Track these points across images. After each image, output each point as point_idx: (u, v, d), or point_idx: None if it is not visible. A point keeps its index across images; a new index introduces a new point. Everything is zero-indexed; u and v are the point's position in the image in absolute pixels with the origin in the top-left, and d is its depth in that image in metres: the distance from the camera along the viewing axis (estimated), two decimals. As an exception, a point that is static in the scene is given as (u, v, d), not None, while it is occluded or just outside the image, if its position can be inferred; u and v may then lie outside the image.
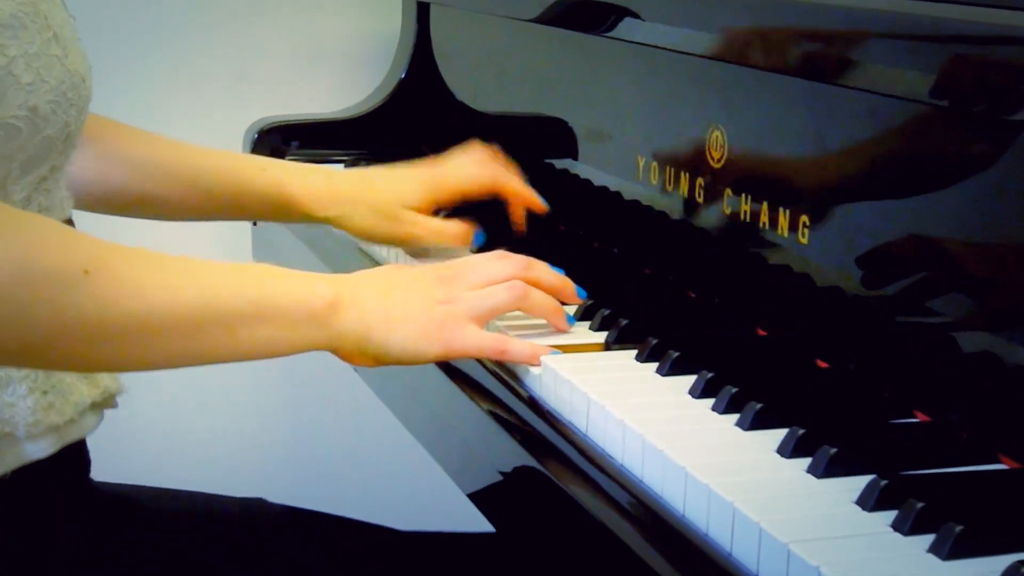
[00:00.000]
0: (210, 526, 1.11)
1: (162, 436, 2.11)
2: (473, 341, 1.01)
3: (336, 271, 1.40)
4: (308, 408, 2.21)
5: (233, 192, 1.29)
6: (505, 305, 1.04)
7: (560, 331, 1.09)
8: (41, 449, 0.99)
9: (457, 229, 1.30)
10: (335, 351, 1.00)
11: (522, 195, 1.35)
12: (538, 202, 1.36)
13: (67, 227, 0.91)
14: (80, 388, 1.03)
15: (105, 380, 1.06)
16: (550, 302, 1.08)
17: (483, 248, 1.28)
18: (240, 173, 1.30)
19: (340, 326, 0.98)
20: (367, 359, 1.00)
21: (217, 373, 2.13)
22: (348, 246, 1.46)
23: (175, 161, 1.28)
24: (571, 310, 1.13)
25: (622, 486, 0.88)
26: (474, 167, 1.35)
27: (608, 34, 1.32)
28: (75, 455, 1.05)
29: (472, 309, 1.02)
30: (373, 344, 0.99)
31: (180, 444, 2.12)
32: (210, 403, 2.15)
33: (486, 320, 1.04)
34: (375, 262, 1.38)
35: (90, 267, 0.87)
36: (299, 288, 0.98)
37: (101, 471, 1.12)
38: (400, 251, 1.34)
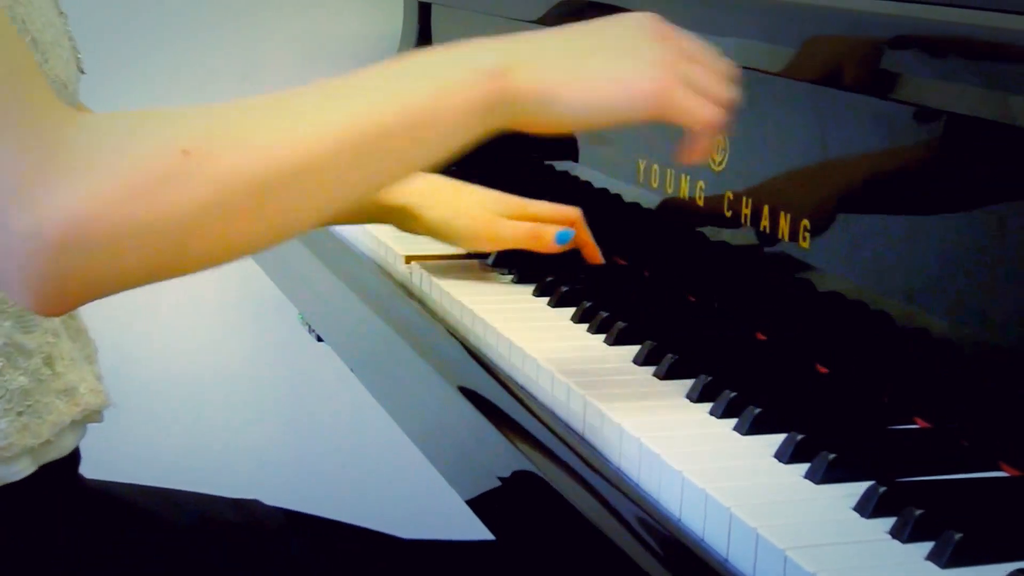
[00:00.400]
0: (205, 527, 1.10)
1: (158, 435, 2.10)
2: (700, 111, 0.89)
3: (337, 274, 1.39)
4: (305, 409, 2.20)
5: None
6: (708, 115, 0.90)
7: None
8: (16, 472, 0.97)
9: (546, 231, 1.21)
10: (515, 123, 0.88)
11: (589, 247, 1.27)
12: (598, 256, 1.27)
13: (146, 114, 0.79)
14: (58, 407, 0.99)
15: (87, 397, 1.02)
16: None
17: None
18: None
19: (514, 95, 0.86)
20: (560, 124, 0.89)
21: (214, 374, 2.13)
22: (347, 251, 1.45)
23: None
24: (570, 313, 1.12)
25: (618, 489, 0.87)
26: (558, 207, 1.27)
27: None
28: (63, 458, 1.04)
29: (688, 75, 0.90)
30: (558, 105, 0.87)
31: (176, 443, 2.11)
32: (207, 402, 2.14)
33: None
34: (381, 268, 1.37)
35: (189, 146, 0.76)
36: (453, 76, 0.85)
37: (95, 470, 1.11)
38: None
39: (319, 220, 0.84)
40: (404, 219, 1.25)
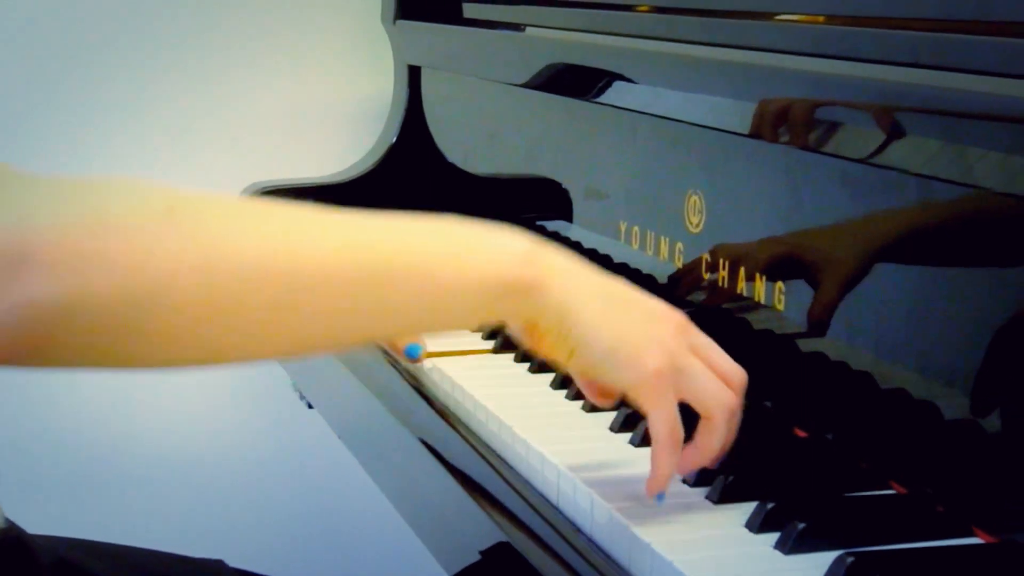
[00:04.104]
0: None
1: (119, 489, 2.03)
2: (664, 416, 0.84)
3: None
4: (275, 464, 2.15)
5: None
6: (714, 410, 0.86)
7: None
8: None
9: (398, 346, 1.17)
10: (529, 326, 0.83)
11: None
12: None
13: (140, 179, 0.74)
14: None
15: None
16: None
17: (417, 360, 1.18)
18: None
19: (540, 290, 0.81)
20: (563, 346, 0.83)
21: (183, 422, 2.07)
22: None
23: None
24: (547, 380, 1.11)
25: (587, 560, 0.86)
26: None
27: (592, 99, 1.32)
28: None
29: (690, 382, 0.85)
30: (580, 329, 0.82)
31: (136, 499, 2.04)
32: (172, 456, 2.08)
33: (677, 399, 0.85)
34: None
35: (175, 206, 0.70)
36: (481, 243, 0.80)
37: (52, 525, 1.09)
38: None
39: (292, 348, 0.78)
40: None
